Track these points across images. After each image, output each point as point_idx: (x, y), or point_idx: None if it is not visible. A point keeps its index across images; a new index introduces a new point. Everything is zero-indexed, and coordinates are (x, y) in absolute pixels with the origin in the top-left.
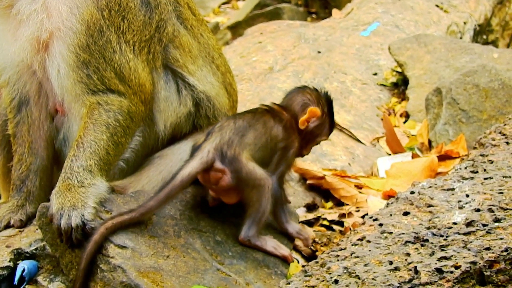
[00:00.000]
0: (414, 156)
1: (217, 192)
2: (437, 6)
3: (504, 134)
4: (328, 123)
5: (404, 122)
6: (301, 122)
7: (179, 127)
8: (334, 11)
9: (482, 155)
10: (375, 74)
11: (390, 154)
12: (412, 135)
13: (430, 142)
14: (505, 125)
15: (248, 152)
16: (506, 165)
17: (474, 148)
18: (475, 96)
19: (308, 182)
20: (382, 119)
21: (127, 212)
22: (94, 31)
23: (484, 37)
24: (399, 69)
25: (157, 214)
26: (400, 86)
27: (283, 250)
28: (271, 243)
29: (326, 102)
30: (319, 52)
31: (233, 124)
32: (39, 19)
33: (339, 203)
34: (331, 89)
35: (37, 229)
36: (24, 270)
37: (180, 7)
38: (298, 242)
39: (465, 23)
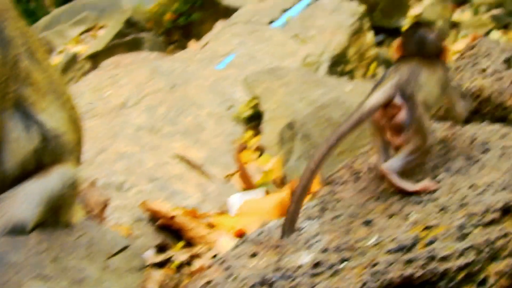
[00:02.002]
0: (267, 192)
1: (388, 128)
2: (293, 37)
3: (354, 171)
4: None
5: (259, 157)
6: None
7: (26, 165)
8: (191, 43)
9: (331, 192)
10: (231, 107)
11: (243, 191)
12: (266, 170)
13: (284, 177)
14: (354, 161)
15: (421, 94)
16: (355, 203)
17: (324, 185)
18: (328, 130)
19: (158, 222)
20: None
21: (325, 141)
22: None
23: (341, 67)
24: (254, 102)
25: None
26: (255, 119)
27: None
28: (406, 184)
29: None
30: (174, 85)
31: (408, 65)
32: None
33: (191, 243)
34: (185, 124)
35: None
36: None
37: (29, 39)
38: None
39: (321, 54)
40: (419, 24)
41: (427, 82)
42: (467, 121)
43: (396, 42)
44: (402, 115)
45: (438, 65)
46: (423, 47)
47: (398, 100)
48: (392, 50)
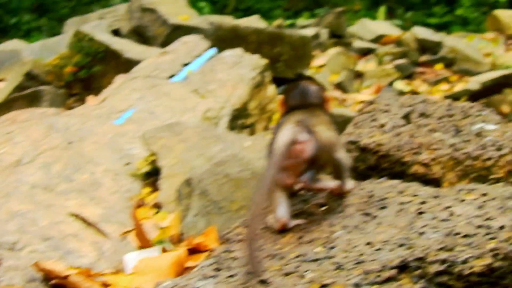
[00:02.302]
0: (163, 250)
1: (294, 168)
2: (193, 91)
3: None
4: None
5: (156, 214)
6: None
7: None
8: (89, 98)
9: (227, 251)
10: (128, 163)
11: (139, 249)
12: (163, 227)
13: (181, 234)
14: None
15: (319, 132)
16: None
17: (221, 243)
18: (226, 186)
19: (52, 282)
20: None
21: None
22: None
23: (242, 121)
24: (152, 158)
25: None
26: (153, 176)
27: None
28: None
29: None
30: (70, 142)
31: (299, 113)
32: None
33: None
34: (81, 181)
35: None
36: None
37: None
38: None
39: (221, 108)
40: (299, 78)
41: (321, 125)
42: (365, 177)
43: (279, 98)
44: (310, 148)
45: (323, 115)
46: (305, 98)
47: (303, 137)
48: (276, 106)
